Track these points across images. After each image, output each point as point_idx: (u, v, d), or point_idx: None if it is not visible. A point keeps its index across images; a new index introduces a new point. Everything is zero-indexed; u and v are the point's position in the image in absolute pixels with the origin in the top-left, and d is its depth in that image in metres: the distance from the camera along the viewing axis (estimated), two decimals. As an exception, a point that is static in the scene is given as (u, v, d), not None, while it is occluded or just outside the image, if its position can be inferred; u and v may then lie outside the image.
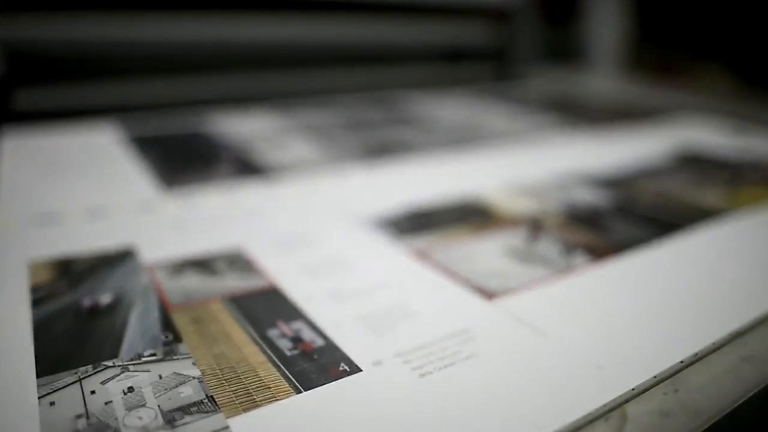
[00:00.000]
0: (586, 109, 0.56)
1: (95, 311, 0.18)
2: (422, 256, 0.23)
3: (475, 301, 0.19)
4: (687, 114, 0.52)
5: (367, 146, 0.39)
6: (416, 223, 0.26)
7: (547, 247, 0.23)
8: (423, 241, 0.24)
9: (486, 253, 0.23)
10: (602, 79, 0.83)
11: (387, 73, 0.66)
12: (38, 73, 0.57)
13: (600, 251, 0.23)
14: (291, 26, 0.60)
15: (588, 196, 0.30)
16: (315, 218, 0.26)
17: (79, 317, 0.18)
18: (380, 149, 0.38)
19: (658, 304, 0.19)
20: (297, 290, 0.20)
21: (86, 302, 0.18)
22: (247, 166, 0.33)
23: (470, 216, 0.27)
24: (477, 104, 0.56)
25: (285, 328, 0.17)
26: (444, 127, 0.45)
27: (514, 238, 0.24)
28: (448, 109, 0.53)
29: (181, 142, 0.38)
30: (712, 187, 0.32)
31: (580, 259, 0.22)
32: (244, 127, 0.43)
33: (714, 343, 0.17)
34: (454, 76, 0.72)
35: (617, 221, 0.27)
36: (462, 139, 0.41)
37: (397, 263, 0.22)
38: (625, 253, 0.23)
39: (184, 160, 0.34)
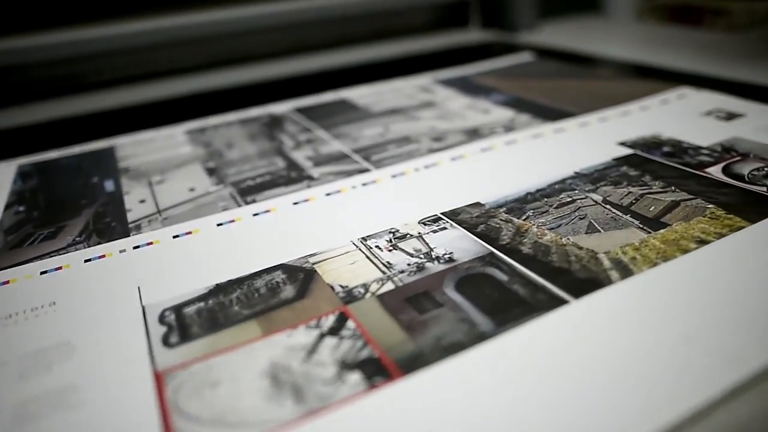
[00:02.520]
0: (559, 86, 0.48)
1: None
2: (164, 381, 0.18)
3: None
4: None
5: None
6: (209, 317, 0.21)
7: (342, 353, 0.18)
8: (184, 353, 0.19)
9: (244, 374, 0.18)
10: (613, 32, 0.72)
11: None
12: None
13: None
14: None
15: (460, 250, 0.23)
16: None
17: None
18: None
19: None
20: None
21: None
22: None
23: (285, 291, 0.22)
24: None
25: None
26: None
27: (306, 338, 0.19)
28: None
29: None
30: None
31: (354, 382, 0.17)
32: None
33: None
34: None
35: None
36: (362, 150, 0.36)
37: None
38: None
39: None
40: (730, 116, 0.36)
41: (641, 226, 0.24)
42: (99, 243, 0.27)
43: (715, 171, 0.29)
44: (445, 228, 0.25)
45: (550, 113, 0.40)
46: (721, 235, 0.23)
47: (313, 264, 0.24)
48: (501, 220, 0.26)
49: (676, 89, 0.43)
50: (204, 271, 0.24)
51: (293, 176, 0.33)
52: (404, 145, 0.36)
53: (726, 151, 0.31)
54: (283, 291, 0.22)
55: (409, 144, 0.36)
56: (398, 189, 0.30)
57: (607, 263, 0.22)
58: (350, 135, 0.39)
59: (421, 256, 0.23)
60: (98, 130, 0.46)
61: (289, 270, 0.23)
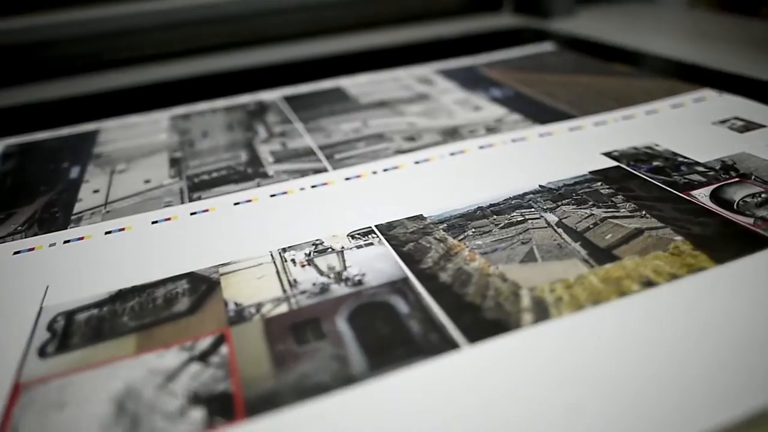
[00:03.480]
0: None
1: None
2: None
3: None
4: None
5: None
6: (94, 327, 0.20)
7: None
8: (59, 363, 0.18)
9: (94, 397, 0.17)
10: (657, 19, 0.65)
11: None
12: None
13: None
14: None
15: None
16: None
17: None
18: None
19: None
20: None
21: None
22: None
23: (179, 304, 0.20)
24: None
25: None
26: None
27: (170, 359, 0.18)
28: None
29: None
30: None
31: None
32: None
33: None
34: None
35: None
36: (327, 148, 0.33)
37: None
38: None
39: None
40: (747, 127, 0.32)
41: (587, 257, 0.21)
42: (36, 234, 0.27)
43: (702, 194, 0.25)
44: (371, 244, 0.23)
45: (544, 114, 0.36)
46: (674, 277, 0.20)
47: (221, 275, 0.22)
48: (435, 238, 0.23)
49: (696, 91, 0.38)
50: (116, 273, 0.23)
51: (249, 173, 0.32)
52: (375, 143, 0.34)
53: (725, 170, 0.27)
54: (178, 303, 0.21)
55: (381, 142, 0.34)
56: (345, 194, 0.28)
57: (526, 302, 0.19)
58: (326, 129, 0.37)
59: (331, 275, 0.21)
60: (98, 111, 0.47)
61: (195, 280, 0.22)
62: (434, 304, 0.19)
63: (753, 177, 0.26)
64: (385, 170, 0.30)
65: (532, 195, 0.26)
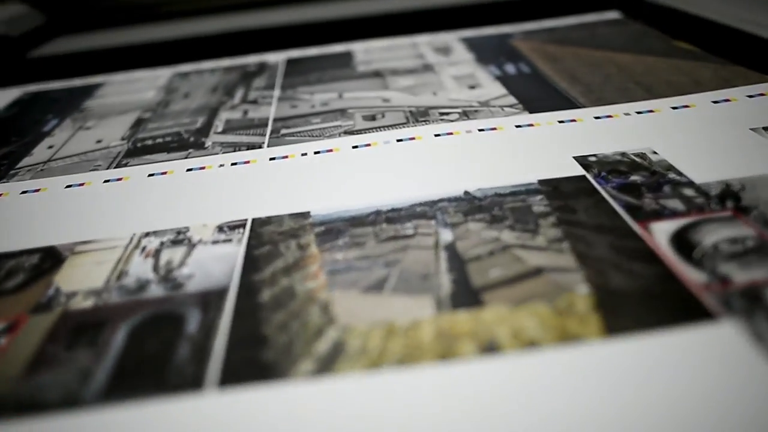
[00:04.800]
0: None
1: None
2: None
3: None
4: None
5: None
6: None
7: None
8: None
9: None
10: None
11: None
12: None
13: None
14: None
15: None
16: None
17: None
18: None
19: None
20: None
21: None
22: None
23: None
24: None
25: None
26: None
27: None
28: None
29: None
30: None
31: None
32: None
33: None
34: None
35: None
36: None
37: None
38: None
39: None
40: None
41: (444, 298, 0.16)
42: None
43: (663, 229, 0.19)
44: (229, 240, 0.20)
45: (544, 100, 0.30)
46: (530, 345, 0.14)
47: (72, 254, 0.21)
48: (298, 243, 0.20)
49: (761, 84, 0.29)
50: (10, 237, 0.23)
51: (190, 141, 0.30)
52: (331, 120, 0.31)
53: (722, 198, 0.20)
54: (14, 279, 0.20)
55: (337, 120, 0.30)
56: (258, 176, 0.25)
57: (322, 347, 0.15)
58: (297, 99, 0.34)
59: (160, 273, 0.19)
60: (114, 63, 0.47)
61: (47, 256, 0.21)
62: (225, 329, 0.16)
63: (754, 213, 0.19)
64: (316, 153, 0.27)
65: (446, 203, 0.21)
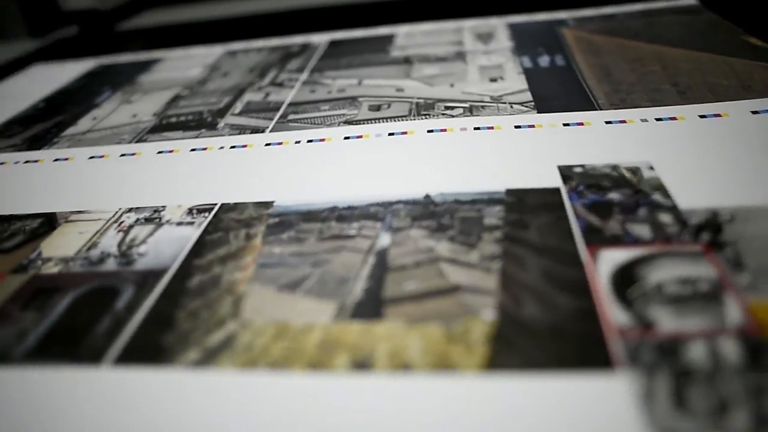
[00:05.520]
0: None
1: None
2: None
3: None
4: None
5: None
6: None
7: None
8: None
9: None
10: None
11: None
12: None
13: None
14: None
15: None
16: None
17: None
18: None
19: None
20: None
21: None
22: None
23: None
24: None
25: None
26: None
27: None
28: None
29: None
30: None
31: None
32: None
33: None
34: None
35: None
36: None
37: None
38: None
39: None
40: None
41: (348, 305, 0.16)
42: (19, 151, 0.32)
43: (610, 259, 0.17)
44: (191, 223, 0.21)
45: (562, 99, 0.27)
46: (400, 368, 0.14)
47: (67, 222, 0.23)
48: (248, 233, 0.20)
49: (823, 92, 0.24)
50: (24, 199, 0.26)
51: (207, 122, 0.31)
52: (339, 108, 0.30)
53: (699, 229, 0.17)
54: (13, 240, 0.22)
55: (343, 108, 0.30)
56: (249, 161, 0.26)
57: (215, 339, 0.16)
58: (321, 83, 0.34)
59: (122, 248, 0.21)
60: (183, 39, 0.51)
61: (46, 222, 0.23)
62: (145, 309, 0.17)
63: (728, 251, 0.16)
64: (309, 141, 0.27)
65: (402, 205, 0.21)
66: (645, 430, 0.12)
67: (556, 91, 0.29)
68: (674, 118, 0.25)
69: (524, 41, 0.37)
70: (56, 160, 0.29)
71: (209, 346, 0.15)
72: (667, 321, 0.14)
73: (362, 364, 0.14)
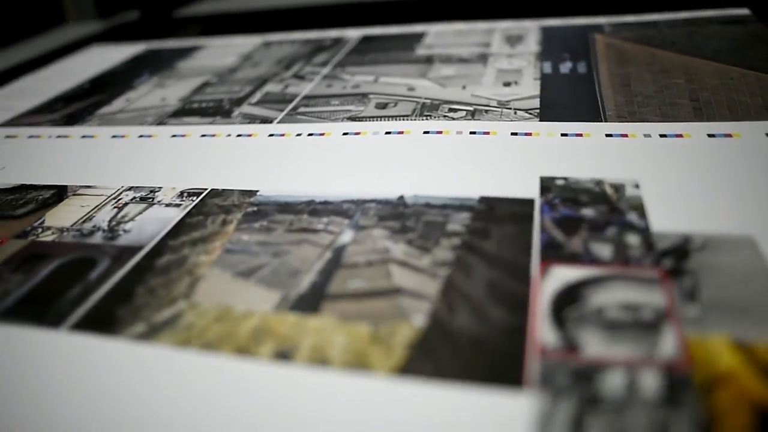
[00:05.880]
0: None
1: None
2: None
3: None
4: None
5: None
6: None
7: None
8: None
9: None
10: None
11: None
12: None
13: None
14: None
15: None
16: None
17: None
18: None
19: None
20: None
21: None
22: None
23: None
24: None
25: None
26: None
27: None
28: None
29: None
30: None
31: None
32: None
33: None
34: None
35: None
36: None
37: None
38: None
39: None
40: None
41: (290, 297, 0.17)
42: (56, 126, 0.34)
43: (559, 277, 0.16)
44: (178, 206, 0.23)
45: (568, 110, 0.27)
46: (318, 362, 0.14)
47: (74, 195, 0.25)
48: (225, 219, 0.21)
49: None
50: (48, 171, 0.28)
51: (225, 109, 0.33)
52: (347, 103, 0.31)
53: (662, 255, 0.16)
54: (23, 208, 0.24)
55: (351, 104, 0.31)
56: (249, 150, 0.27)
57: (163, 316, 0.16)
58: (340, 78, 0.35)
59: (112, 223, 0.22)
60: (227, 28, 0.53)
61: (57, 194, 0.25)
62: (113, 281, 0.18)
63: (685, 281, 0.15)
64: (309, 135, 0.28)
65: (373, 204, 0.21)
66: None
67: (566, 99, 0.28)
68: (680, 135, 0.23)
69: (552, 46, 0.36)
70: (83, 137, 0.32)
71: (155, 322, 0.16)
72: (594, 346, 0.14)
73: (284, 355, 0.15)
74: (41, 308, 0.18)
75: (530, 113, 0.27)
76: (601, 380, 0.13)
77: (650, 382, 0.13)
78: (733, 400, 0.12)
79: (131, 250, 0.20)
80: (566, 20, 0.41)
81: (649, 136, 0.24)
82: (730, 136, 0.23)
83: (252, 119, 0.31)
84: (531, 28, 0.40)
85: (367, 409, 0.13)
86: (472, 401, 0.13)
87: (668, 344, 0.14)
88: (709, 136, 0.23)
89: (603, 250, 0.17)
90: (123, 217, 0.23)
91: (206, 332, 0.16)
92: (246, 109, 0.32)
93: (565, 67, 0.32)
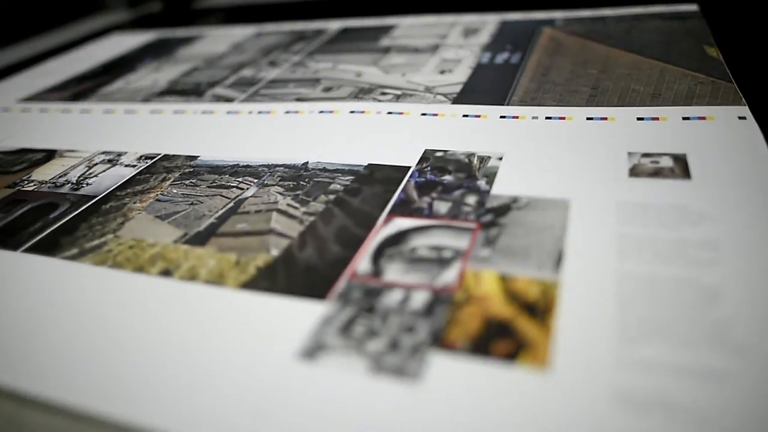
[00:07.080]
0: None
1: None
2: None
3: None
4: None
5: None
6: None
7: None
8: None
9: None
10: None
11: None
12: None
13: None
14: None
15: None
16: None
17: None
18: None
19: None
20: None
21: None
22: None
23: None
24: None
25: None
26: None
27: None
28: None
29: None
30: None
31: None
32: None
33: None
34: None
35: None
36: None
37: None
38: None
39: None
40: (673, 171, 0.20)
41: (192, 234, 0.21)
42: (64, 101, 0.40)
43: (396, 226, 0.19)
44: (133, 166, 0.27)
45: (481, 95, 0.30)
46: (188, 278, 0.18)
47: (60, 156, 0.30)
48: (165, 177, 0.26)
49: (734, 107, 0.24)
50: (40, 139, 0.34)
51: (201, 90, 0.37)
52: (300, 86, 0.35)
53: (486, 212, 0.20)
54: (19, 166, 0.30)
55: (303, 87, 0.35)
56: (207, 124, 0.32)
57: (92, 244, 0.21)
58: (304, 65, 0.39)
59: (81, 178, 0.27)
60: (234, 18, 0.57)
61: (48, 155, 0.31)
62: (65, 219, 0.23)
63: (492, 231, 0.19)
64: (259, 113, 0.32)
65: (283, 168, 0.25)
66: (307, 341, 0.15)
67: (486, 86, 0.31)
68: (563, 118, 0.26)
69: (501, 38, 0.39)
70: (82, 111, 0.37)
71: (85, 248, 0.21)
72: (393, 273, 0.17)
73: (167, 272, 0.19)
74: (7, 237, 0.23)
75: (448, 97, 0.30)
76: (383, 296, 0.17)
77: (419, 299, 0.16)
78: (473, 313, 0.16)
79: (87, 198, 0.25)
80: (527, 14, 0.43)
81: (536, 118, 0.27)
82: (605, 119, 0.26)
83: (219, 98, 0.35)
84: (490, 22, 0.43)
85: (215, 309, 0.17)
86: (284, 306, 0.17)
87: (450, 275, 0.17)
88: (588, 119, 0.26)
89: (442, 207, 0.21)
90: (90, 173, 0.28)
91: (118, 256, 0.20)
92: (218, 90, 0.37)
93: (501, 58, 0.35)
